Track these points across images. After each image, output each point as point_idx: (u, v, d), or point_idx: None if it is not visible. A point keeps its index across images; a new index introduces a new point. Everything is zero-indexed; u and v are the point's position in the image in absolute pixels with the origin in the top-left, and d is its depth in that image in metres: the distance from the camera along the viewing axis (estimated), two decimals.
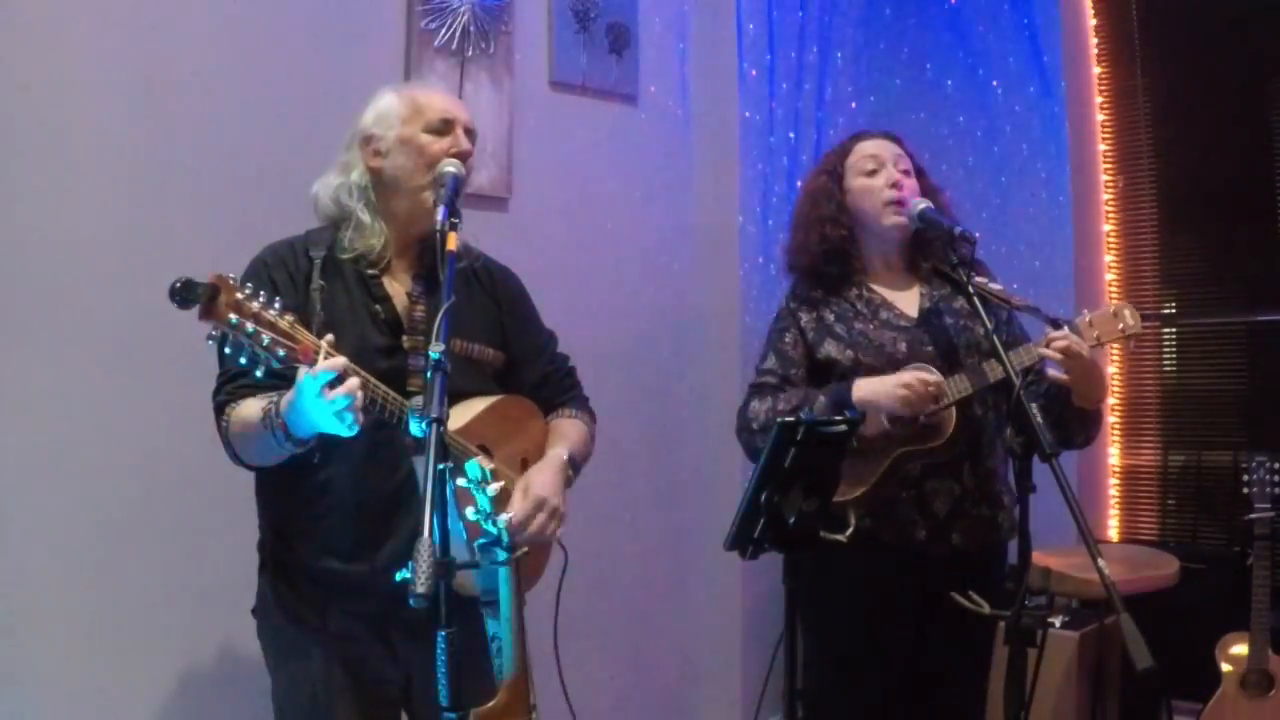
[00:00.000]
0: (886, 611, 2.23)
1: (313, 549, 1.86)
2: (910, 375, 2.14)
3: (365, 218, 1.89)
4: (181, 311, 1.46)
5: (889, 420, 2.14)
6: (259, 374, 1.57)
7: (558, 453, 1.99)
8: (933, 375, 2.14)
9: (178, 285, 1.43)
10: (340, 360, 1.58)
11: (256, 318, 1.51)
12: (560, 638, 2.07)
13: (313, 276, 1.84)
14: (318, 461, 1.78)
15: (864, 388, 2.16)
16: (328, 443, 1.73)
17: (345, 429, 1.57)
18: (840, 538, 1.92)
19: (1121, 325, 2.10)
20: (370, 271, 1.90)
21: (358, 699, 1.87)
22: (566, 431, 2.09)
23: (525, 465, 1.99)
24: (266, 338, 1.52)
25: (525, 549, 1.62)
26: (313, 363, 1.56)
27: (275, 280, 1.84)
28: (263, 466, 1.84)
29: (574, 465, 2.02)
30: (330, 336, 1.62)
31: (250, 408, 1.73)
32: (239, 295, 1.50)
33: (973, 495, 2.23)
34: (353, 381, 1.57)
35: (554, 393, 2.14)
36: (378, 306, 1.89)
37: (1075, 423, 2.21)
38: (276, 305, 1.56)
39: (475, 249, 2.05)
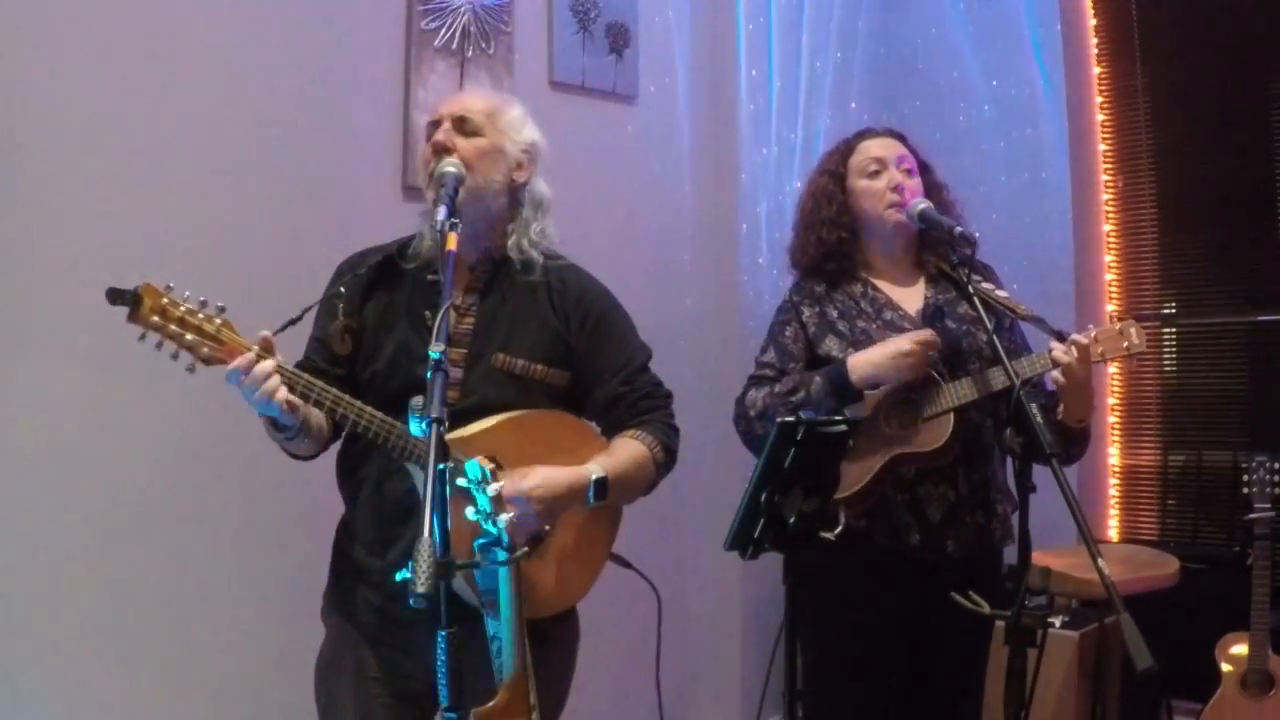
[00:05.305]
0: (882, 613, 2.23)
1: (352, 541, 1.96)
2: (907, 342, 2.12)
3: (424, 229, 1.94)
4: None
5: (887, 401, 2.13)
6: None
7: (588, 467, 1.84)
8: (923, 333, 2.14)
9: (110, 291, 1.61)
10: (244, 359, 1.67)
11: (182, 321, 1.66)
12: None
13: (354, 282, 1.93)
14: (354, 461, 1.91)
15: (862, 366, 2.14)
16: (366, 445, 1.82)
17: (274, 412, 1.71)
18: (829, 536, 1.89)
19: (1126, 343, 2.07)
20: (431, 277, 1.92)
21: (378, 688, 1.90)
22: (614, 450, 1.91)
23: None
24: (190, 338, 1.65)
25: (526, 549, 1.62)
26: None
27: (344, 281, 1.95)
28: (299, 455, 1.92)
29: (603, 486, 1.83)
30: (264, 334, 1.71)
31: None
32: (164, 300, 1.65)
33: (968, 502, 2.22)
34: (256, 370, 1.67)
35: (626, 415, 1.96)
36: (427, 312, 1.87)
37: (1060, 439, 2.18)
38: (209, 311, 1.69)
39: (559, 259, 2.01)
